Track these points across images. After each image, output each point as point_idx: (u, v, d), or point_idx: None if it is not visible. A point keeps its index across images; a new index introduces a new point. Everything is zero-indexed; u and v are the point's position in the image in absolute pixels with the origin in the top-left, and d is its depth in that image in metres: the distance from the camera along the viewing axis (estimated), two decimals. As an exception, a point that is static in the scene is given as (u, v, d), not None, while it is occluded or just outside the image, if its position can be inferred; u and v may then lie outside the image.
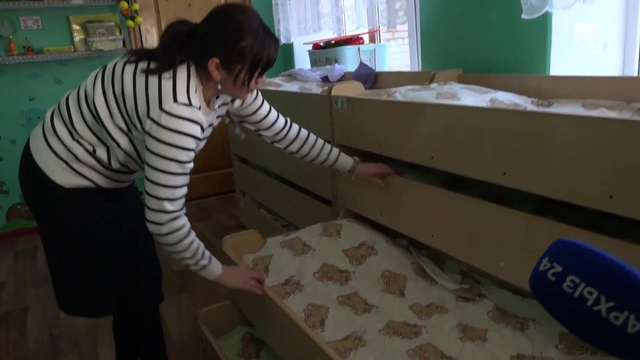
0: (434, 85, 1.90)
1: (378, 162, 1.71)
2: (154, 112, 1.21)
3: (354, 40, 3.12)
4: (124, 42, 3.62)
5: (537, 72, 1.89)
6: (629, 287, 0.39)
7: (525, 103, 1.69)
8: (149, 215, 1.26)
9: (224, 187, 4.21)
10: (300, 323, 1.31)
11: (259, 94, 1.55)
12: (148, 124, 1.21)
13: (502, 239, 1.24)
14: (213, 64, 1.24)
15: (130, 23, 3.56)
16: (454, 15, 2.26)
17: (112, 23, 3.58)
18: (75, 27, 3.55)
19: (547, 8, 1.70)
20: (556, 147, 1.06)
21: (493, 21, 2.06)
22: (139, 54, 1.29)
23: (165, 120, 1.19)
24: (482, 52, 2.14)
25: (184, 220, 1.30)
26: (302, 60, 3.93)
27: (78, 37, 3.56)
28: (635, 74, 1.83)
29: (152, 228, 1.27)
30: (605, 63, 1.88)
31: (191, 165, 1.28)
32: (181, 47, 1.26)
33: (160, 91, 1.22)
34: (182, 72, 1.24)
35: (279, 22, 3.82)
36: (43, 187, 1.34)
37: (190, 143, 1.23)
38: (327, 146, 1.68)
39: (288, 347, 1.43)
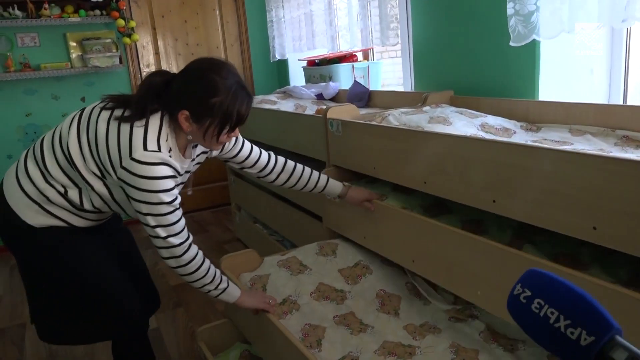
0: (426, 108, 1.96)
1: (374, 182, 1.76)
2: (126, 161, 1.24)
3: (348, 57, 3.18)
4: (120, 59, 3.66)
5: (526, 96, 1.96)
6: (582, 309, 0.51)
7: (514, 127, 1.75)
8: (162, 253, 1.33)
9: (219, 200, 4.24)
10: (297, 344, 1.35)
11: (238, 137, 1.57)
12: (123, 174, 1.25)
13: (478, 268, 1.28)
14: (183, 116, 1.27)
15: (126, 40, 3.61)
16: (446, 38, 2.33)
17: (109, 40, 3.63)
18: (72, 44, 3.59)
19: (534, 36, 1.77)
20: (542, 178, 1.12)
21: (484, 45, 2.12)
22: (116, 101, 1.32)
23: (137, 169, 1.23)
24: (474, 75, 2.20)
25: (196, 248, 1.36)
26: (296, 76, 3.99)
27: (75, 53, 3.60)
28: (621, 101, 1.90)
29: (171, 263, 1.34)
30: (591, 89, 1.95)
31: (178, 200, 1.32)
32: (156, 97, 1.30)
33: (131, 140, 1.25)
34: (154, 121, 1.28)
35: (273, 39, 3.88)
36: (16, 228, 1.36)
37: (169, 183, 1.27)
38: (315, 174, 1.71)
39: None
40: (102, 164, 1.30)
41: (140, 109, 1.27)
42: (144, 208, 1.27)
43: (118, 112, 1.30)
